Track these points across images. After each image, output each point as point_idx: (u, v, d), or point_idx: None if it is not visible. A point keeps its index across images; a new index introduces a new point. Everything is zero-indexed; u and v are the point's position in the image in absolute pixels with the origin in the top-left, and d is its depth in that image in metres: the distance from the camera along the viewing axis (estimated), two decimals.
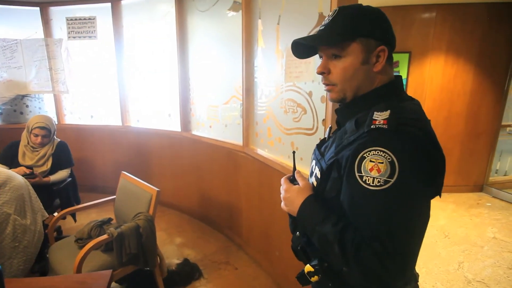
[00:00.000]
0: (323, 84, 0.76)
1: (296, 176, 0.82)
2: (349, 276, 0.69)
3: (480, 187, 3.83)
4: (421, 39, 3.53)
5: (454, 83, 3.58)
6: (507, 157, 4.01)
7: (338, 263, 0.66)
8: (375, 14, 0.70)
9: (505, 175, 4.04)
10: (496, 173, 3.98)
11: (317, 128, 1.59)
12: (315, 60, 1.53)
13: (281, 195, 0.81)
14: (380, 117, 0.63)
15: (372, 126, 0.63)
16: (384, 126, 0.61)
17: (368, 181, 0.60)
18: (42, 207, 1.81)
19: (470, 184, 3.80)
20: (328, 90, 0.76)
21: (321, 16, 1.49)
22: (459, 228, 2.92)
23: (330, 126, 0.92)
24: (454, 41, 3.47)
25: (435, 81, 3.60)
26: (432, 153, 0.63)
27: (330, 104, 1.45)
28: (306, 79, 1.62)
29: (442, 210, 3.29)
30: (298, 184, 0.79)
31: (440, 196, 0.69)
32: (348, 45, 0.69)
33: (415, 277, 0.78)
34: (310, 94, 1.61)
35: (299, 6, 1.65)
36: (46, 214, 1.84)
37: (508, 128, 3.91)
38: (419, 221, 0.64)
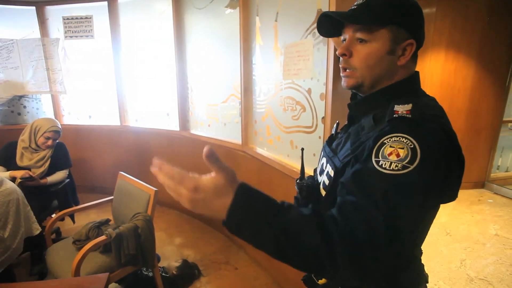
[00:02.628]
0: (341, 67, 0.70)
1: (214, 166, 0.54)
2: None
3: (481, 183, 3.81)
4: None
5: (454, 79, 3.55)
6: (508, 153, 3.98)
7: (314, 252, 0.50)
8: (414, 6, 0.67)
9: (506, 171, 4.02)
10: (497, 169, 3.95)
11: (316, 126, 1.56)
12: (314, 57, 1.51)
13: (185, 197, 0.53)
14: (401, 108, 0.60)
15: (394, 115, 0.59)
16: (407, 115, 0.58)
17: (385, 165, 0.54)
18: (35, 220, 1.71)
19: (471, 181, 3.77)
20: (346, 76, 0.70)
21: (319, 13, 1.46)
22: (460, 225, 2.90)
23: (337, 122, 0.88)
24: (455, 36, 3.44)
25: (435, 76, 3.57)
26: (452, 155, 0.58)
27: (329, 101, 1.42)
28: (305, 76, 1.59)
29: (443, 207, 3.20)
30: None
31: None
32: (376, 30, 0.64)
33: (426, 277, 0.75)
34: (309, 91, 1.58)
35: (296, 3, 1.62)
36: (39, 227, 1.75)
37: (509, 124, 3.88)
38: (424, 219, 0.61)
